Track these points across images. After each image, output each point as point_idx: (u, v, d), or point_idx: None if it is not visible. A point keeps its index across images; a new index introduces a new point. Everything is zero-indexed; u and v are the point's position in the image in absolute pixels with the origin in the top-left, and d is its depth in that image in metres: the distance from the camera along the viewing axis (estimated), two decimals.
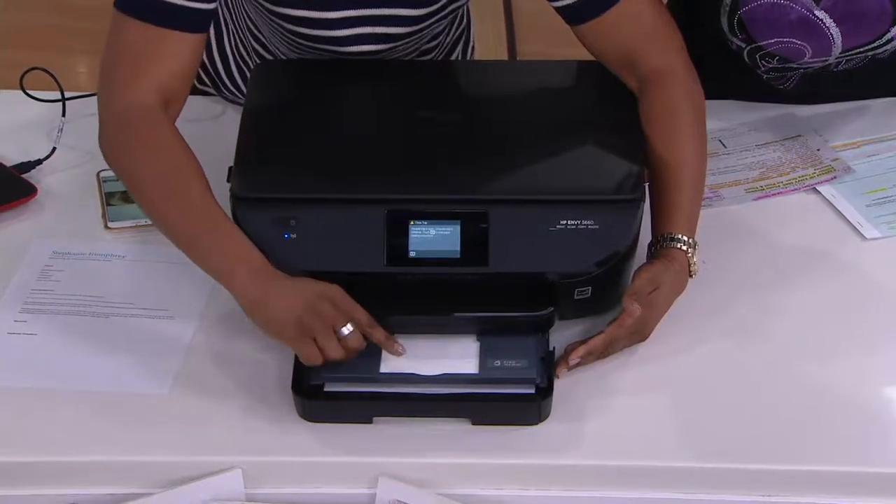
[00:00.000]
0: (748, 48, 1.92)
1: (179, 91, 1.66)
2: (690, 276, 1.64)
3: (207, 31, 1.67)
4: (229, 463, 1.50)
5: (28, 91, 1.98)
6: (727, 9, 1.89)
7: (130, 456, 1.51)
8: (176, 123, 1.65)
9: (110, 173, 1.87)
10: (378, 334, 1.54)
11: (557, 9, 1.72)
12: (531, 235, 1.58)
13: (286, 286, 1.54)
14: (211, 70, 2.03)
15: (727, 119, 1.99)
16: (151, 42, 1.63)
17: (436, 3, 1.77)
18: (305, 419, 1.54)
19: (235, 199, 1.60)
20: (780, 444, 1.52)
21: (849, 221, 1.81)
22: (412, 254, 1.58)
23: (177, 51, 1.64)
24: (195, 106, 1.98)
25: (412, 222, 1.59)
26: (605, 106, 1.74)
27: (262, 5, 1.77)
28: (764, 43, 1.90)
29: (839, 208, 1.83)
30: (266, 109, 1.73)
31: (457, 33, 2.02)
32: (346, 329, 1.52)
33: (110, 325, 1.66)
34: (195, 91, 2.04)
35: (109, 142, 1.64)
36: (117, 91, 1.63)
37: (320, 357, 1.52)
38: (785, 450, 1.52)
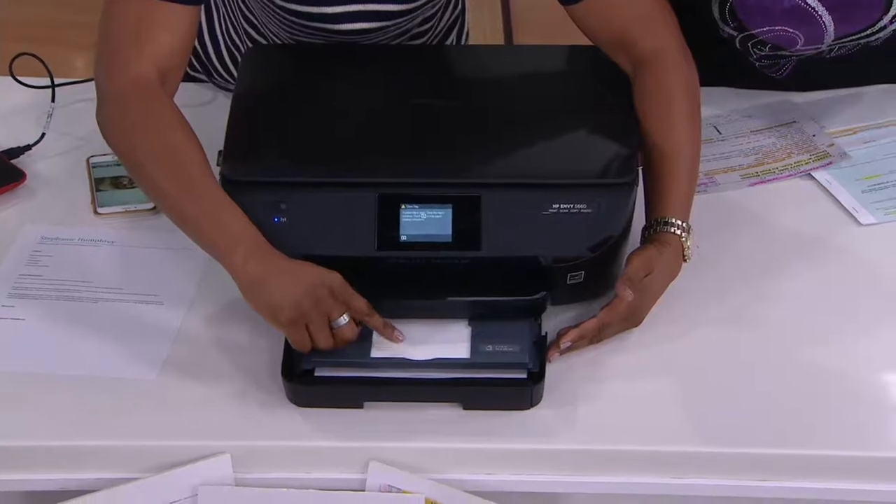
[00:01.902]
0: (740, 36, 1.91)
1: (177, 65, 1.64)
2: (685, 260, 1.63)
3: (203, 2, 1.66)
4: (218, 448, 1.50)
5: (18, 77, 1.97)
6: None
7: (118, 441, 1.51)
8: None
9: (100, 159, 1.87)
10: (377, 322, 1.54)
11: None
12: (524, 219, 1.57)
13: (286, 269, 1.53)
14: (203, 56, 2.02)
15: (721, 106, 1.98)
16: (148, 15, 1.61)
17: None
18: (295, 404, 1.53)
19: (225, 182, 1.58)
20: (774, 428, 1.51)
21: (844, 207, 1.81)
22: (403, 238, 1.57)
23: (173, 23, 1.62)
24: (187, 92, 1.96)
25: (403, 206, 1.58)
26: (598, 89, 1.73)
27: None
28: (755, 31, 1.89)
29: (835, 194, 1.83)
30: (257, 93, 1.72)
31: (451, 19, 2.01)
32: (343, 319, 1.51)
33: (98, 311, 1.65)
34: (187, 77, 2.02)
35: (107, 118, 1.62)
36: (115, 66, 1.62)
37: (309, 344, 1.52)
38: (780, 434, 1.51)
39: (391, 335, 1.55)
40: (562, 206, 1.57)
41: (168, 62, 1.62)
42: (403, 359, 1.54)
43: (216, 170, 1.60)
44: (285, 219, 1.57)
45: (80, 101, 1.94)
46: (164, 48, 1.62)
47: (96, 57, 1.64)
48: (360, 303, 1.53)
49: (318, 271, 1.53)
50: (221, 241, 1.54)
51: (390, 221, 1.57)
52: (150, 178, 1.58)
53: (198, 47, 2.02)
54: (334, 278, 1.53)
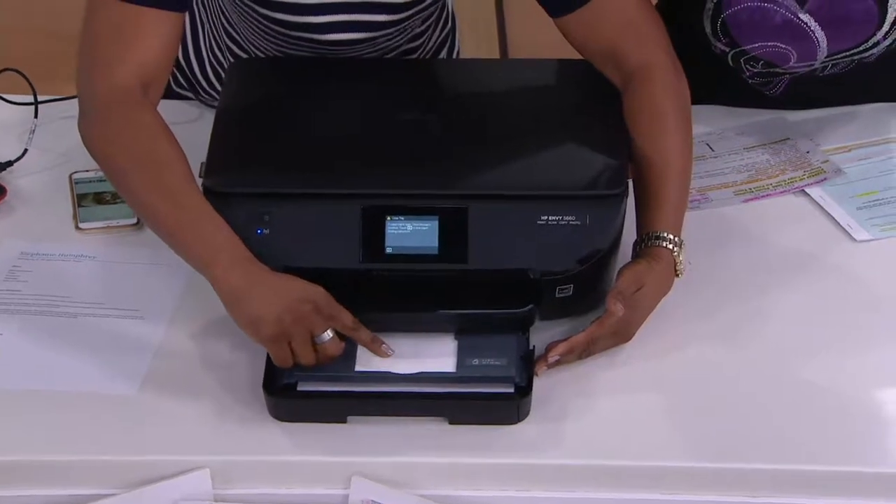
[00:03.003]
0: (732, 52, 1.90)
1: (160, 72, 1.63)
2: (676, 275, 1.61)
3: (188, 9, 1.65)
4: (197, 463, 1.48)
5: (1, 94, 1.96)
6: (710, 12, 1.87)
7: (97, 456, 1.50)
8: None
9: (83, 175, 1.85)
10: (364, 336, 1.52)
11: (539, 0, 1.70)
12: (511, 232, 1.56)
13: (268, 282, 1.51)
14: (188, 72, 2.01)
15: (714, 123, 1.97)
16: (131, 21, 1.60)
17: None
18: (277, 419, 1.52)
19: (208, 193, 1.57)
20: (766, 444, 1.50)
21: (839, 223, 1.79)
22: (389, 250, 1.56)
23: (157, 30, 1.61)
24: (172, 109, 1.95)
25: (389, 218, 1.56)
26: (587, 101, 1.72)
27: None
28: (748, 47, 1.88)
29: (829, 210, 1.81)
30: (240, 105, 1.71)
31: (441, 37, 2.00)
32: (326, 336, 1.50)
33: (78, 325, 1.64)
34: (173, 94, 2.04)
35: (89, 126, 1.61)
36: (97, 73, 1.60)
37: (290, 360, 1.50)
38: (771, 450, 1.49)
39: (379, 350, 1.53)
40: (550, 218, 1.56)
41: (151, 70, 1.61)
42: (388, 373, 1.52)
43: (199, 182, 1.58)
44: (268, 230, 1.56)
45: (64, 117, 1.92)
46: (148, 56, 1.61)
47: (78, 64, 1.62)
48: (346, 317, 1.51)
49: (301, 285, 1.51)
50: (203, 253, 1.53)
51: (375, 233, 1.56)
52: (132, 188, 1.56)
53: (183, 64, 2.01)
54: (318, 293, 1.51)
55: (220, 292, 1.51)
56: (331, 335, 1.50)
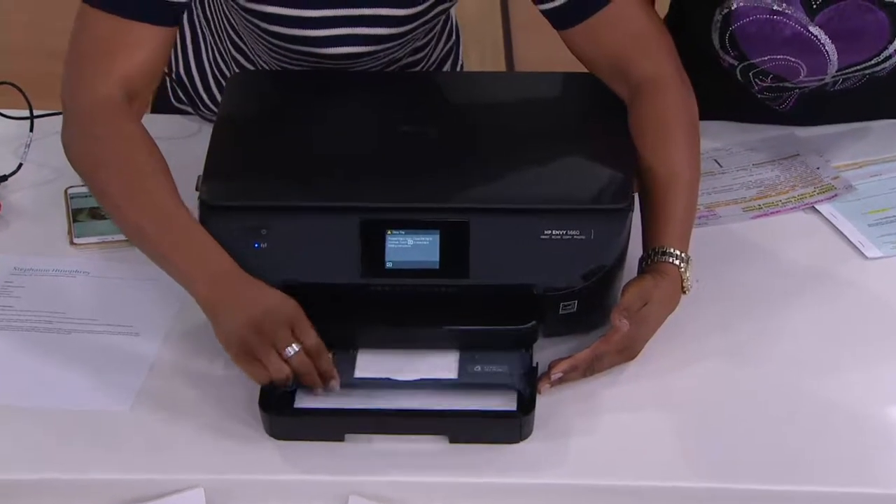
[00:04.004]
0: (741, 66, 1.89)
1: (146, 85, 1.64)
2: (683, 292, 1.60)
3: (178, 25, 1.65)
4: (192, 482, 1.46)
5: None
6: (718, 25, 1.86)
7: (90, 474, 1.48)
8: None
9: (79, 190, 1.84)
10: (323, 364, 1.49)
11: (544, 12, 1.70)
12: (514, 246, 1.55)
13: (240, 297, 1.50)
14: (189, 86, 2.01)
15: (722, 139, 1.96)
16: (119, 34, 1.60)
17: (421, 3, 1.75)
18: (273, 437, 1.50)
19: (204, 206, 1.57)
20: (774, 464, 1.48)
21: (849, 241, 1.78)
22: (389, 265, 1.55)
23: (145, 44, 1.61)
24: (170, 123, 1.99)
25: (389, 232, 1.55)
26: (592, 114, 1.71)
27: (236, 3, 1.75)
28: (757, 60, 1.87)
29: (840, 227, 1.80)
30: (240, 118, 1.71)
31: (444, 49, 2.00)
32: (290, 350, 1.47)
33: (71, 341, 1.63)
34: (172, 109, 2.03)
35: (72, 137, 1.61)
36: (83, 84, 1.61)
37: (267, 375, 1.48)
38: (780, 471, 1.48)
39: (329, 383, 1.49)
40: (554, 232, 1.55)
41: (137, 82, 1.61)
42: (388, 379, 1.51)
43: (195, 195, 1.58)
44: (266, 244, 1.55)
45: (60, 132, 1.91)
46: (134, 68, 1.61)
47: (64, 74, 1.63)
48: (310, 339, 1.48)
49: (269, 299, 1.49)
50: (185, 267, 1.52)
51: (375, 247, 1.55)
52: (113, 200, 1.56)
53: (184, 78, 2.01)
54: (287, 306, 1.49)
55: (203, 309, 1.51)
56: (296, 349, 1.47)
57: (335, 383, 1.49)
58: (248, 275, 1.51)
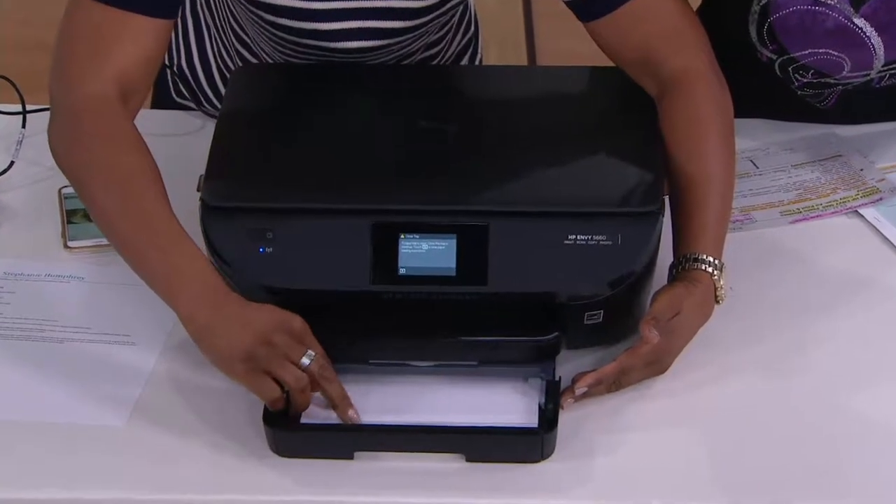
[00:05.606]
0: (780, 60, 1.88)
1: (141, 82, 1.62)
2: (717, 301, 1.59)
3: (175, 17, 1.63)
4: (191, 502, 1.46)
5: None
6: (756, 16, 1.85)
7: (82, 492, 1.48)
8: (150, 137, 1.60)
9: (73, 190, 1.82)
10: (334, 390, 1.48)
11: (569, 3, 1.69)
12: (535, 252, 1.54)
13: (235, 315, 1.48)
14: (191, 80, 2.00)
15: (759, 138, 1.95)
16: (112, 26, 1.58)
17: None
18: (278, 454, 1.49)
19: (206, 208, 1.56)
20: (813, 483, 1.47)
21: (894, 246, 1.77)
22: (402, 271, 1.54)
23: (140, 36, 1.59)
24: (173, 119, 2.00)
25: (402, 236, 1.54)
26: (619, 111, 1.70)
27: None
28: (797, 54, 1.86)
29: (884, 232, 1.79)
30: (244, 114, 1.70)
31: (462, 42, 1.99)
32: (306, 359, 1.46)
33: (64, 351, 1.62)
34: (173, 104, 2.02)
35: (58, 135, 1.59)
36: (73, 79, 1.59)
37: (278, 391, 1.46)
38: (819, 490, 1.47)
39: (344, 413, 1.48)
40: (578, 237, 1.53)
41: (132, 79, 1.60)
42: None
43: (197, 196, 1.57)
44: (271, 249, 1.54)
45: None
46: (128, 63, 1.59)
47: (52, 65, 1.61)
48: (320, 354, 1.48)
49: (272, 315, 1.48)
50: (169, 281, 1.50)
51: (388, 252, 1.54)
52: (96, 203, 1.55)
53: (187, 72, 2.00)
54: (294, 320, 1.48)
55: (187, 329, 1.49)
56: (312, 356, 1.46)
57: (353, 413, 1.48)
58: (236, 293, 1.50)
